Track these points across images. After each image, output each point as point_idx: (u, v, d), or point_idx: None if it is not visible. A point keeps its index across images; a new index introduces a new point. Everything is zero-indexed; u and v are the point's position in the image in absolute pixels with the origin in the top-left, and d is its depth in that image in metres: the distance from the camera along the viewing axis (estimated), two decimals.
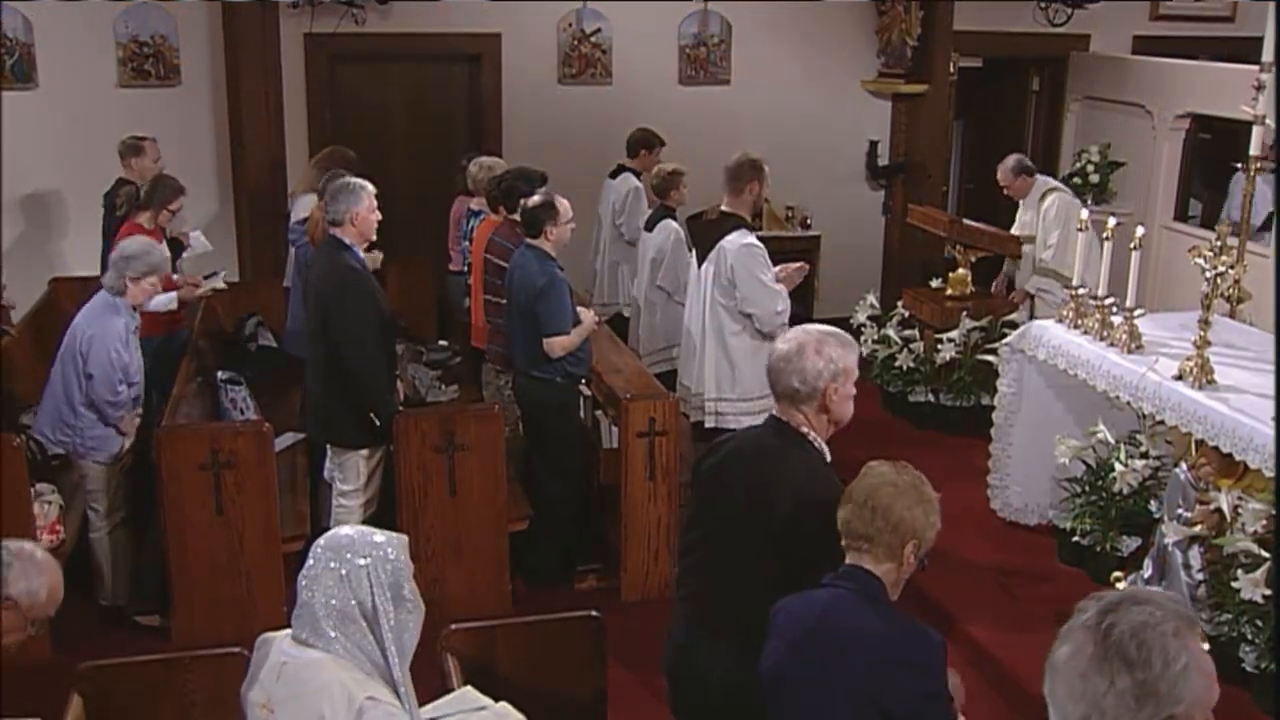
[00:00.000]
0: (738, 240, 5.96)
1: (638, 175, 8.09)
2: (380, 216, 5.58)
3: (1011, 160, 8.04)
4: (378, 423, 5.52)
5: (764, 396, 6.34)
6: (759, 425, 3.62)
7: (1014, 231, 8.16)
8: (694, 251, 6.35)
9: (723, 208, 6.13)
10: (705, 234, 6.18)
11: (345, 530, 2.86)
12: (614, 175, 8.21)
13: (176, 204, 6.71)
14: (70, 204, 8.23)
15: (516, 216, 6.25)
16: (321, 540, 2.83)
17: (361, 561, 2.73)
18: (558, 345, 5.77)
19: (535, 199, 5.97)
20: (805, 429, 3.43)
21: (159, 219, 6.65)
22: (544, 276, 5.75)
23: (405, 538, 2.89)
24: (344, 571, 2.72)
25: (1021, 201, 8.12)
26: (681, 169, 7.61)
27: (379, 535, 2.83)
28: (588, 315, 5.99)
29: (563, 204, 5.88)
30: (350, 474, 5.62)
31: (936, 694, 2.92)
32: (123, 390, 5.45)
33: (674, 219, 7.51)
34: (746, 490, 3.44)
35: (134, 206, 6.77)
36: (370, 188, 5.50)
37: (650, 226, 7.46)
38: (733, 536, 3.45)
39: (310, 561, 2.79)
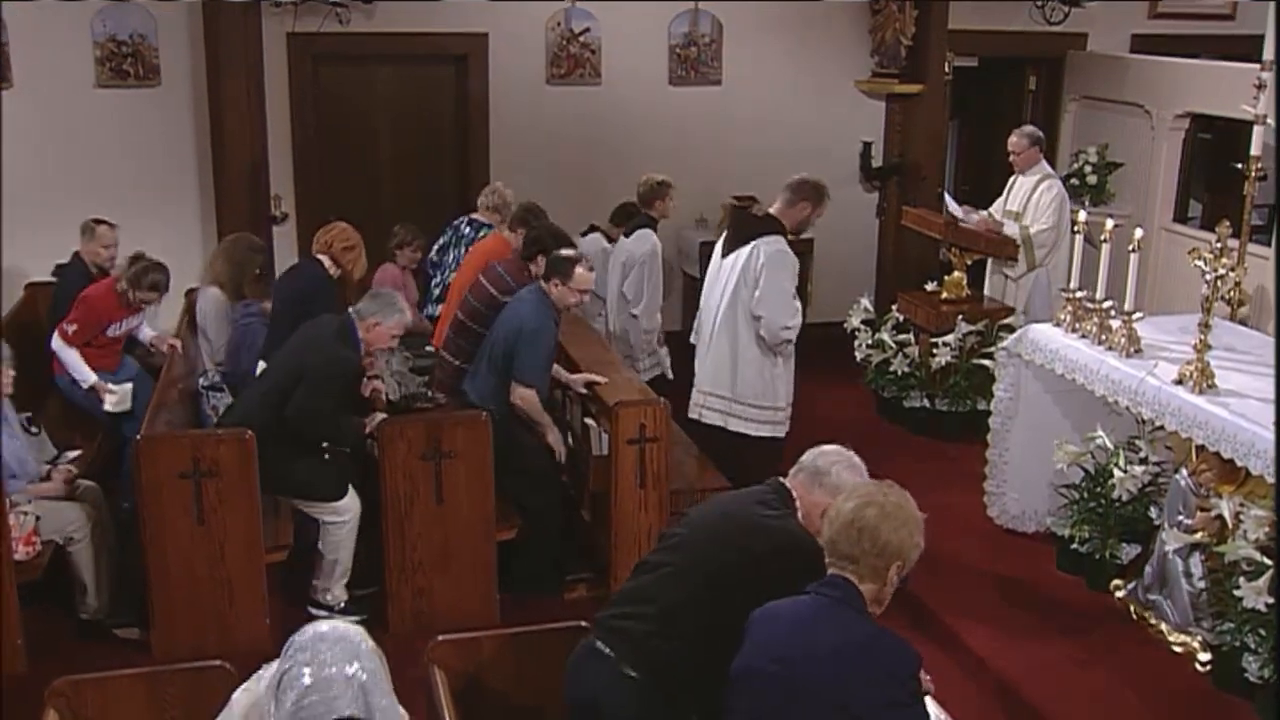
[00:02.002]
0: (775, 244, 6.11)
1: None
2: (395, 345, 5.83)
3: (1029, 128, 8.30)
4: (344, 449, 5.63)
5: (757, 406, 6.31)
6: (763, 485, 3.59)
7: (1002, 198, 8.18)
8: (723, 238, 6.35)
9: (771, 210, 6.26)
10: (744, 226, 6.27)
11: (322, 627, 2.69)
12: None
13: (145, 295, 6.48)
14: (48, 206, 8.08)
15: (530, 264, 6.14)
16: (295, 636, 2.69)
17: (328, 672, 2.57)
18: (526, 397, 5.68)
19: (568, 251, 5.89)
20: (800, 511, 3.44)
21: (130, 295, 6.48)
22: (536, 320, 5.68)
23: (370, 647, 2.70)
24: (310, 678, 2.57)
25: (1019, 176, 8.12)
26: (669, 180, 7.49)
27: (354, 637, 2.68)
28: (555, 441, 5.86)
29: (583, 273, 5.76)
30: (324, 512, 5.56)
31: (907, 704, 2.91)
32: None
33: (654, 230, 7.40)
34: (721, 518, 3.49)
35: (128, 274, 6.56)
36: (407, 317, 5.71)
37: (629, 233, 7.33)
38: (677, 558, 3.46)
39: (281, 657, 2.66)
